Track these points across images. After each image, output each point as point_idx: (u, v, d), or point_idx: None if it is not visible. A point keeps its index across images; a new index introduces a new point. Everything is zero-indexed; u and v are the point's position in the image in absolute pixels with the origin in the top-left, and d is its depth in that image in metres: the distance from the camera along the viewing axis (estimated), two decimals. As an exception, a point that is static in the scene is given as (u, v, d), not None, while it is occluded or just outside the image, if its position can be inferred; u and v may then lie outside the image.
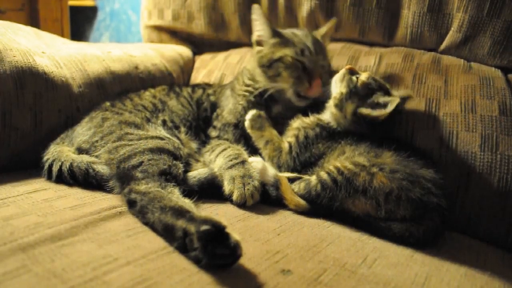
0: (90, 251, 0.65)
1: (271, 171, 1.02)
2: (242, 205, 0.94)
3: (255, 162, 1.03)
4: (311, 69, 1.15)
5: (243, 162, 1.01)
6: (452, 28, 1.23)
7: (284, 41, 1.19)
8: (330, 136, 1.07)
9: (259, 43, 1.26)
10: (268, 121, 1.16)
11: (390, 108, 1.00)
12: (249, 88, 1.23)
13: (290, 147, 1.08)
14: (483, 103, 1.08)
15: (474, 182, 1.01)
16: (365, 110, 1.03)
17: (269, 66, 1.18)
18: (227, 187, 0.95)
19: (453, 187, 1.03)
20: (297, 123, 1.11)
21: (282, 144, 1.10)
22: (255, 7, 1.24)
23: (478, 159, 1.02)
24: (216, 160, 1.05)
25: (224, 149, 1.07)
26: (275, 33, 1.21)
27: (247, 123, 1.15)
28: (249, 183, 0.95)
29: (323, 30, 1.30)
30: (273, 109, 1.22)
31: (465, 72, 1.18)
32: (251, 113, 1.15)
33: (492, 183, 0.99)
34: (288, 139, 1.10)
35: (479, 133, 1.04)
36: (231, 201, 0.95)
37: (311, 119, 1.11)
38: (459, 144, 1.05)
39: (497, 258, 0.92)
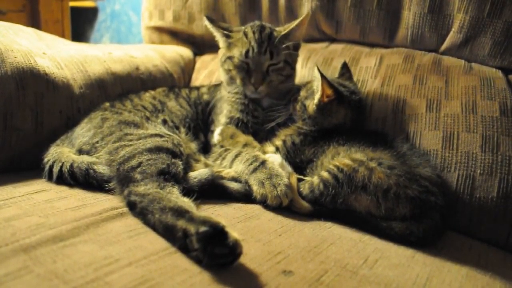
0: (92, 252, 0.65)
1: (288, 168, 1.02)
2: (278, 207, 0.93)
3: (273, 157, 1.03)
4: (252, 70, 1.18)
5: (263, 162, 1.00)
6: (453, 29, 1.23)
7: (234, 42, 1.21)
8: (315, 140, 1.08)
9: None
10: (237, 130, 1.17)
11: (319, 84, 1.06)
12: (232, 90, 1.26)
13: (277, 150, 1.10)
14: (484, 104, 1.09)
15: (475, 183, 1.01)
16: (308, 102, 1.10)
17: (224, 61, 1.24)
18: (258, 192, 0.94)
19: (454, 188, 1.03)
20: (283, 132, 1.15)
21: (265, 148, 1.11)
22: (203, 18, 1.27)
23: (479, 160, 1.02)
24: (233, 166, 1.04)
25: (238, 154, 1.06)
26: (227, 35, 1.23)
27: (217, 138, 1.15)
28: (279, 183, 0.93)
29: (291, 25, 1.23)
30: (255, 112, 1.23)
31: (465, 73, 1.18)
32: (219, 129, 1.18)
33: (493, 184, 0.99)
34: (276, 142, 1.12)
35: (480, 134, 1.04)
36: (266, 206, 0.94)
37: (292, 128, 1.15)
38: (460, 145, 1.05)
39: (498, 259, 0.92)
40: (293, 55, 1.23)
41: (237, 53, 1.19)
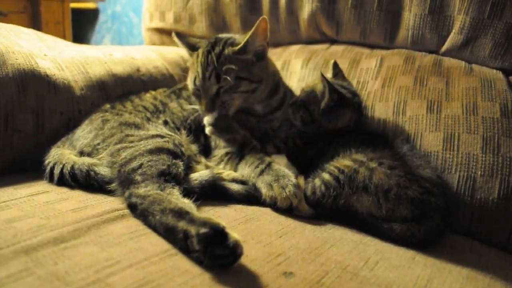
0: (93, 253, 0.65)
1: (293, 168, 1.02)
2: (288, 208, 0.92)
3: (278, 158, 1.03)
4: (202, 97, 1.12)
5: (269, 164, 0.99)
6: (453, 30, 1.23)
7: (190, 65, 1.18)
8: (316, 142, 1.09)
9: None
10: (235, 122, 1.12)
11: (325, 90, 1.05)
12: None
13: (279, 151, 1.10)
14: (485, 105, 1.08)
15: (476, 184, 1.01)
16: (312, 107, 1.09)
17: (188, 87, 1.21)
18: (267, 195, 0.93)
19: (455, 189, 1.03)
20: (284, 134, 1.15)
21: (267, 149, 1.12)
22: (173, 35, 1.23)
23: (479, 161, 1.02)
24: (238, 170, 1.04)
25: (242, 157, 1.05)
26: (191, 54, 1.19)
27: (209, 129, 1.10)
28: (287, 184, 0.92)
29: (246, 36, 1.10)
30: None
31: (466, 74, 1.18)
32: (211, 117, 1.10)
33: (494, 185, 0.99)
34: (277, 144, 1.12)
35: (480, 135, 1.04)
36: (276, 208, 0.93)
37: (293, 130, 1.15)
38: (461, 146, 1.05)
39: (499, 260, 0.92)
40: (256, 66, 1.13)
41: (188, 80, 1.16)
